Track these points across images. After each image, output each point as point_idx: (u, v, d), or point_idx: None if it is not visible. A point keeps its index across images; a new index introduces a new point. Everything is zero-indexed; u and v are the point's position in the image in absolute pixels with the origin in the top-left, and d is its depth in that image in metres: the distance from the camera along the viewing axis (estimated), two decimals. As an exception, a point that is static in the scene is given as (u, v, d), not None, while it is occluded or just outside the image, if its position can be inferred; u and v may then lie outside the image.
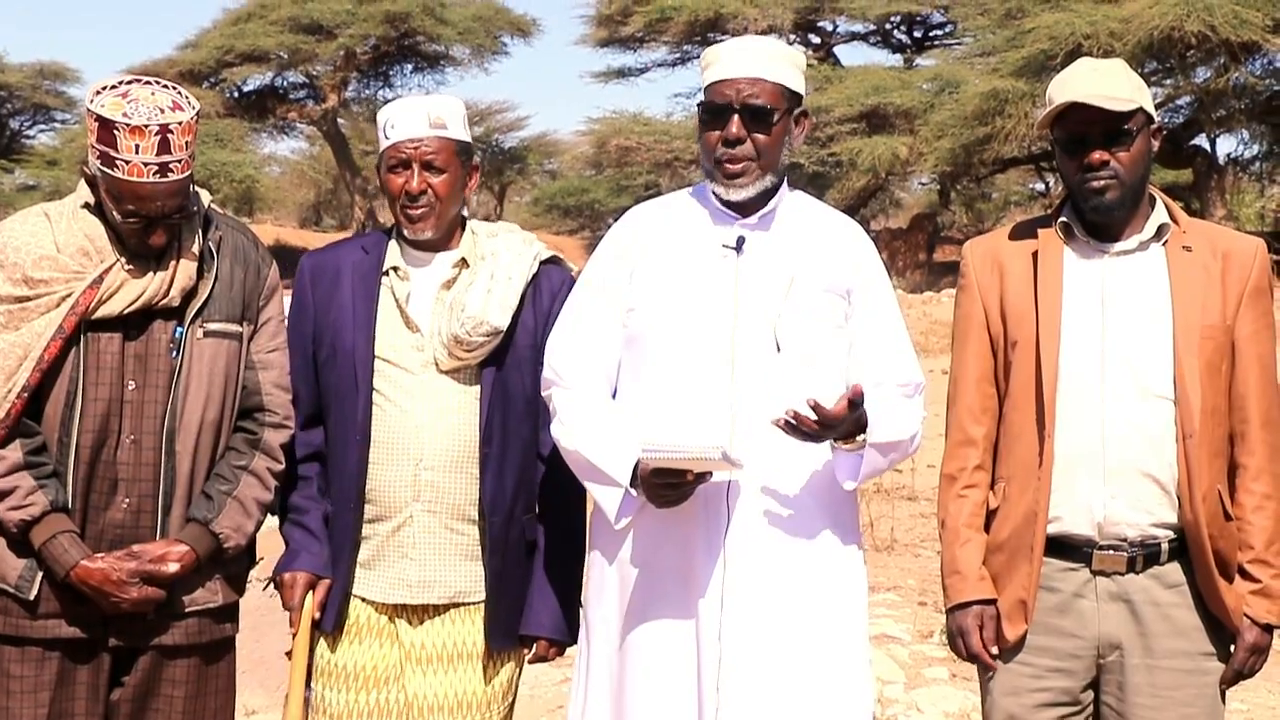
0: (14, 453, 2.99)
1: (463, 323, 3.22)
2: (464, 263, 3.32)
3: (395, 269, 3.33)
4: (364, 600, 3.31)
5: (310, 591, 3.27)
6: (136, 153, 2.92)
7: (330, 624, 3.29)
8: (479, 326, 3.22)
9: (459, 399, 3.28)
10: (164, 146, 2.93)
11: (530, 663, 3.42)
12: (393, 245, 3.37)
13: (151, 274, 3.04)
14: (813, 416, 2.89)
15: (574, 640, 3.39)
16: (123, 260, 3.03)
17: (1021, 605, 3.03)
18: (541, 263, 3.39)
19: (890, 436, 3.07)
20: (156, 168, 2.93)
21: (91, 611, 3.04)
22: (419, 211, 3.27)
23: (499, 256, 3.33)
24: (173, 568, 3.04)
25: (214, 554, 3.12)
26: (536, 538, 3.37)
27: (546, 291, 3.36)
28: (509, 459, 3.29)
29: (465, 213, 3.44)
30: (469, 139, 3.37)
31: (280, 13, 34.55)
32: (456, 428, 3.26)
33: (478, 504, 3.29)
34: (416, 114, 3.30)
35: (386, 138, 3.30)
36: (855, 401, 2.93)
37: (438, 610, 3.33)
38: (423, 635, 3.32)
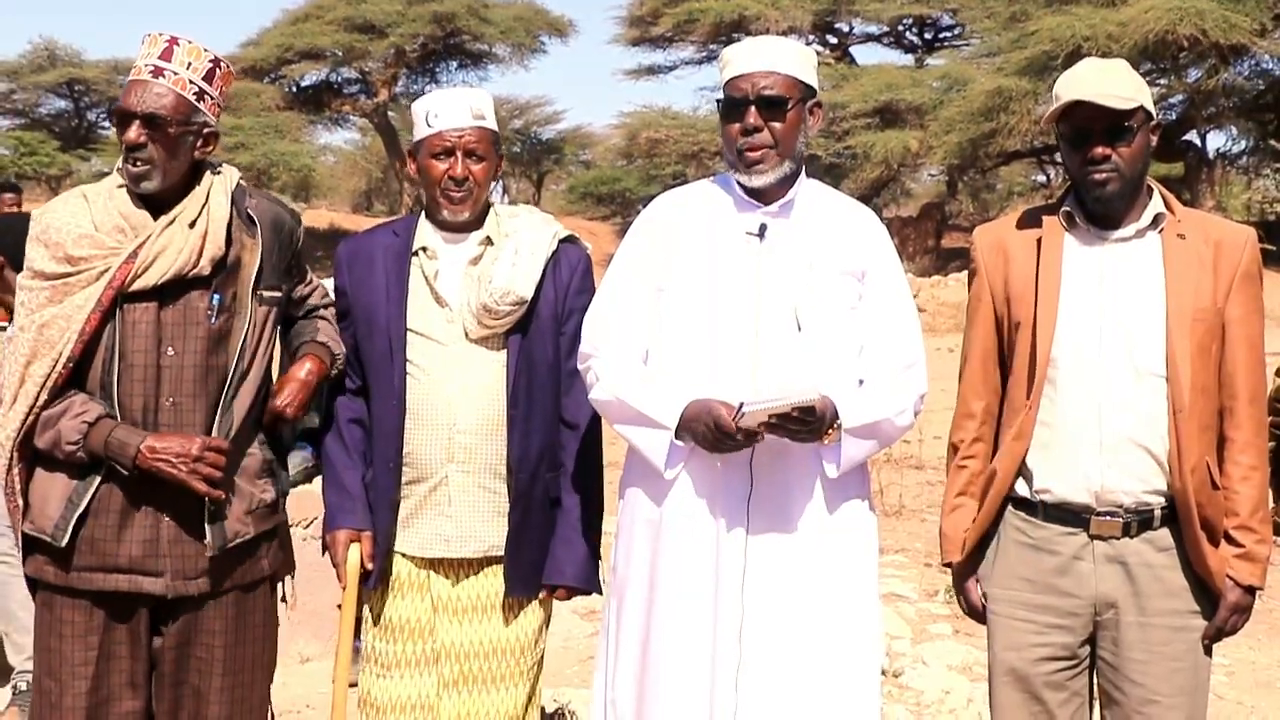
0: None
1: (491, 293, 3.24)
2: (489, 241, 3.34)
3: (424, 249, 3.35)
4: (404, 556, 3.33)
5: (355, 545, 3.28)
6: (144, 59, 3.02)
7: (374, 582, 3.31)
8: (506, 296, 3.24)
9: (487, 367, 3.29)
10: (166, 54, 3.02)
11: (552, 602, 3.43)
12: (422, 227, 3.38)
13: (183, 245, 3.00)
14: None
15: (595, 588, 3.41)
16: (155, 231, 3.00)
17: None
18: (560, 241, 3.40)
19: (865, 419, 3.03)
20: (152, 68, 3.01)
21: (127, 556, 3.01)
22: (460, 195, 3.29)
23: (521, 234, 3.34)
24: (285, 404, 3.16)
25: (328, 373, 3.26)
26: (560, 494, 3.37)
27: (565, 266, 3.37)
28: (534, 421, 3.30)
29: (495, 197, 3.44)
30: (498, 130, 3.40)
31: (336, 13, 34.64)
32: (486, 394, 3.28)
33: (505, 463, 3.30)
34: (459, 105, 3.30)
35: (429, 126, 3.29)
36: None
37: (472, 564, 3.34)
38: (457, 588, 3.34)
